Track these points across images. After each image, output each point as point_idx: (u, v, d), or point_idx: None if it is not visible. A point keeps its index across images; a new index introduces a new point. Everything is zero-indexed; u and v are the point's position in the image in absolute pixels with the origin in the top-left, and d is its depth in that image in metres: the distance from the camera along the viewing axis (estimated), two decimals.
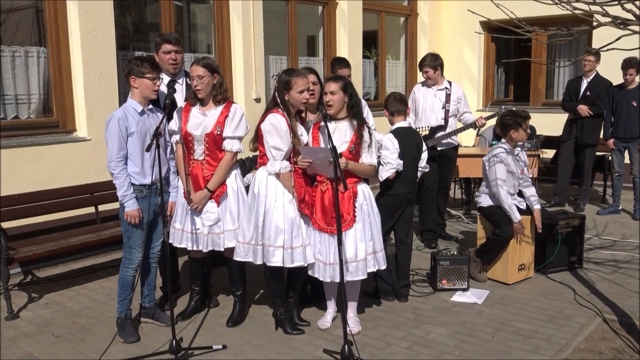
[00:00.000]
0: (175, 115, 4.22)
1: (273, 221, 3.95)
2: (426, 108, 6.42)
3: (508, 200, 4.99)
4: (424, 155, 4.84)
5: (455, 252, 5.07)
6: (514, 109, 5.60)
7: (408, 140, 4.69)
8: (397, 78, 10.66)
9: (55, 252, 4.96)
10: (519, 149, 5.24)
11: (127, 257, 4.10)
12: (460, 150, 6.93)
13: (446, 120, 6.34)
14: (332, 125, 4.05)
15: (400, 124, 4.75)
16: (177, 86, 4.51)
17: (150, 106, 4.14)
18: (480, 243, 5.33)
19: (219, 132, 4.07)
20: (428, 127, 6.25)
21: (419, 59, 10.72)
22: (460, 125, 6.46)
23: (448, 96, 6.38)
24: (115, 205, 5.35)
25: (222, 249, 4.20)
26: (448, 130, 6.31)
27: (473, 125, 6.32)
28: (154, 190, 4.06)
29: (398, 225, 4.72)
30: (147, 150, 3.68)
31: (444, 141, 6.28)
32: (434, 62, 6.33)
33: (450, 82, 6.48)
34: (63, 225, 5.61)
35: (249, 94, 7.65)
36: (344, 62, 5.52)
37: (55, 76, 5.97)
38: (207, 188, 4.12)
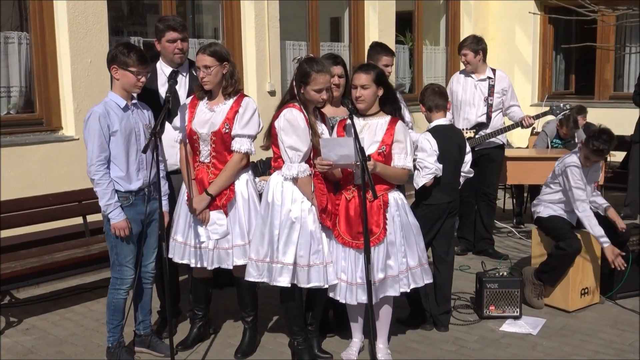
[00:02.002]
0: (179, 111, 4.26)
1: (284, 233, 3.97)
2: (465, 101, 6.41)
3: (591, 220, 4.90)
4: (468, 158, 4.81)
5: (505, 273, 5.03)
6: (569, 106, 5.51)
7: (449, 140, 4.67)
8: (436, 67, 10.64)
9: (37, 269, 5.01)
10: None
11: (118, 277, 4.13)
12: (511, 152, 6.90)
13: (488, 116, 6.32)
14: (360, 122, 4.07)
15: (440, 121, 4.74)
16: (179, 78, 4.55)
17: (135, 100, 4.15)
18: (536, 261, 5.29)
19: (227, 130, 4.11)
20: (467, 129, 6.20)
21: None
22: (507, 122, 6.43)
23: (491, 87, 6.35)
24: None
25: (230, 267, 4.22)
26: (491, 129, 6.29)
27: (519, 124, 6.28)
28: (141, 198, 4.09)
29: (437, 241, 4.71)
30: (145, 151, 3.72)
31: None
32: (475, 45, 6.32)
33: (494, 71, 6.46)
34: (46, 238, 5.66)
35: (262, 86, 7.70)
36: (384, 49, 5.42)
37: (39, 65, 6.06)
38: (206, 191, 4.15)
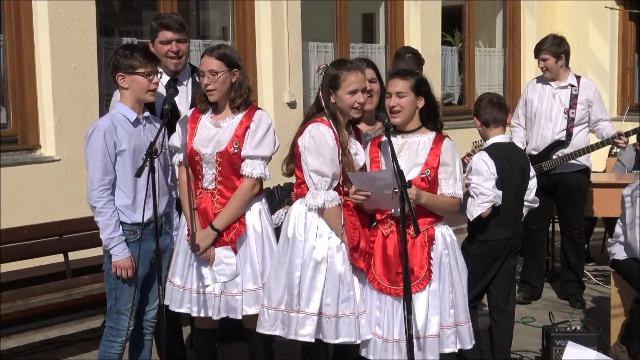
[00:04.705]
0: (178, 126, 4.28)
1: (308, 276, 3.95)
2: (540, 113, 6.38)
3: None
4: (532, 184, 4.78)
5: (578, 327, 4.97)
6: None
7: (509, 161, 4.65)
8: (491, 73, 10.62)
9: (8, 317, 5.02)
10: None
11: (113, 327, 4.14)
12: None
13: (569, 132, 6.27)
14: (398, 141, 4.06)
15: (498, 138, 4.71)
16: (180, 87, 4.58)
17: (147, 113, 4.21)
18: (615, 312, 5.20)
19: (236, 150, 4.12)
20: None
21: (524, 45, 10.63)
22: (593, 140, 6.33)
23: (574, 97, 6.31)
24: (93, 252, 5.42)
25: (239, 317, 4.20)
26: (571, 148, 6.23)
27: (611, 142, 6.20)
28: (150, 232, 4.10)
29: (494, 286, 4.67)
30: (138, 175, 3.73)
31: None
32: (557, 47, 6.29)
33: (578, 78, 6.42)
34: (20, 279, 5.68)
35: (279, 96, 7.73)
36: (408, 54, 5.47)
37: (13, 71, 6.12)
38: (211, 225, 4.15)
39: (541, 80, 6.47)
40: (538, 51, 6.36)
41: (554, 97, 6.35)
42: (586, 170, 6.43)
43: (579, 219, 6.51)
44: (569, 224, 6.45)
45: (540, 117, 6.38)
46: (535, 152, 6.37)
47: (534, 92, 6.48)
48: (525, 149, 6.29)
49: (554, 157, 6.22)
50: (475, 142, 5.63)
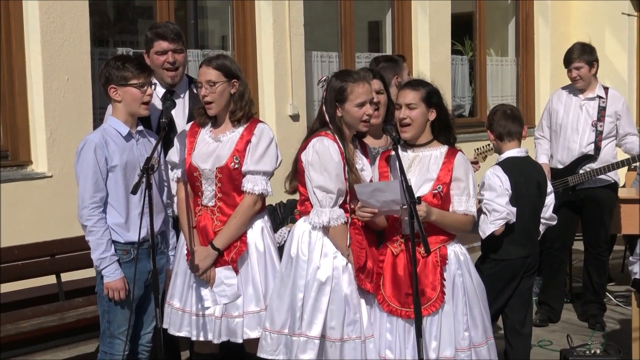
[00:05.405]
0: (176, 141, 4.29)
1: (311, 297, 3.95)
2: (566, 125, 6.36)
3: None
4: (550, 200, 4.78)
5: (598, 351, 4.96)
6: None
7: (525, 177, 4.65)
8: (503, 83, 10.64)
9: None
10: None
11: (107, 352, 4.13)
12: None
13: (597, 146, 6.26)
14: (408, 155, 4.07)
15: (512, 152, 4.72)
16: (177, 99, 4.59)
17: (140, 127, 4.22)
18: (637, 335, 5.18)
19: (236, 166, 4.13)
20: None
21: (537, 53, 10.64)
22: (620, 154, 6.34)
23: (602, 110, 6.30)
24: (86, 273, 5.41)
25: (240, 340, 4.19)
26: (599, 163, 6.21)
27: None
28: (145, 252, 4.10)
29: (510, 308, 4.66)
30: (134, 192, 3.74)
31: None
32: (589, 55, 6.29)
33: (606, 89, 6.42)
34: (10, 302, 5.68)
35: (282, 108, 7.74)
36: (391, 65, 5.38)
37: (3, 84, 6.13)
38: (211, 244, 4.15)
39: (567, 90, 6.46)
40: (570, 60, 6.32)
41: (581, 108, 6.34)
42: (614, 186, 6.42)
43: (605, 236, 6.50)
44: (595, 241, 6.42)
45: (566, 129, 6.35)
46: (560, 166, 6.35)
47: (559, 103, 6.46)
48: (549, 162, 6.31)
49: (581, 171, 6.21)
50: (478, 149, 5.59)
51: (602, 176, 6.24)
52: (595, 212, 6.32)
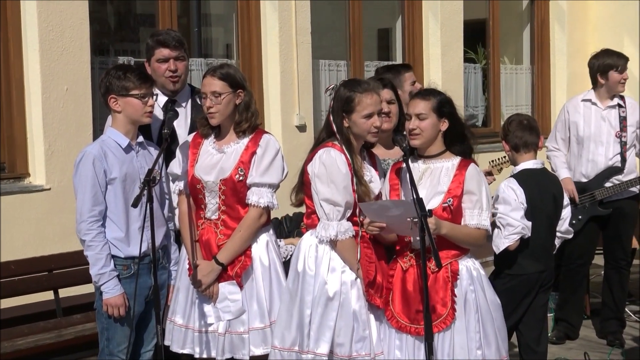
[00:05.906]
0: (178, 152, 4.30)
1: (318, 313, 3.95)
2: (589, 137, 6.31)
3: None
4: (566, 213, 4.77)
5: None
6: None
7: (540, 189, 4.65)
8: (518, 92, 10.63)
9: None
10: None
11: None
12: None
13: (623, 157, 6.23)
14: (419, 167, 4.07)
15: (528, 164, 4.71)
16: (179, 109, 4.60)
17: (141, 138, 4.23)
18: None
19: (241, 178, 4.14)
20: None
21: (553, 61, 10.60)
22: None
23: (623, 119, 6.28)
24: (85, 289, 5.41)
25: (246, 358, 4.19)
26: (628, 175, 6.18)
27: None
28: (145, 267, 4.11)
29: (525, 324, 4.65)
30: (135, 205, 3.75)
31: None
32: (625, 59, 6.28)
33: (622, 97, 6.41)
34: (6, 319, 5.68)
35: (288, 118, 7.75)
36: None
37: (1, 95, 6.15)
38: (215, 259, 4.15)
39: (582, 99, 6.44)
40: (618, 65, 6.27)
41: (603, 119, 6.31)
42: (637, 197, 6.40)
43: (627, 248, 6.50)
44: (618, 255, 6.39)
45: (589, 142, 6.30)
46: (584, 180, 6.29)
47: (577, 114, 6.39)
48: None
49: (608, 184, 6.18)
50: (493, 160, 5.56)
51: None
52: (621, 224, 6.31)
